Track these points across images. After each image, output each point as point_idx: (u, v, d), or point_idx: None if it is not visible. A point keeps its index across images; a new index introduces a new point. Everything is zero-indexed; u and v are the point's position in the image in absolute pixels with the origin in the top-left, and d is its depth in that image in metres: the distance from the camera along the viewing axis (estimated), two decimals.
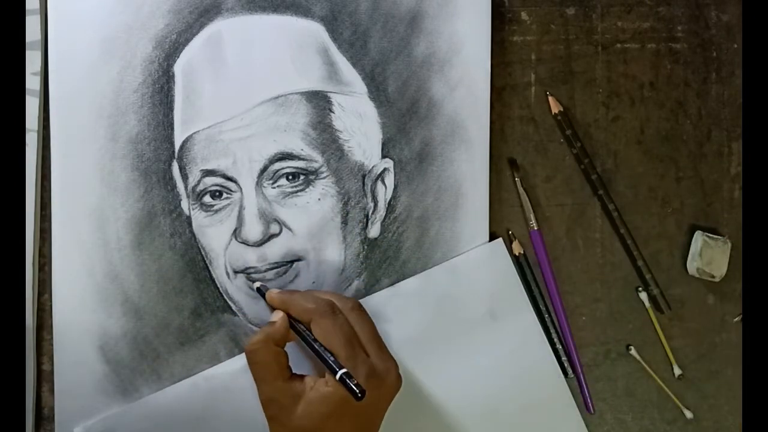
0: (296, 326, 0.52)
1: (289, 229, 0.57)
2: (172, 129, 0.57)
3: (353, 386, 0.47)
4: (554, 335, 0.61)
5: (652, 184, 0.63)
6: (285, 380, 0.51)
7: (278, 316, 0.53)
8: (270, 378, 0.51)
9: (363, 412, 0.50)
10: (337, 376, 0.48)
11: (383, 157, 0.59)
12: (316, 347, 0.50)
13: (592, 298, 0.62)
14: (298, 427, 0.49)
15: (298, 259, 0.57)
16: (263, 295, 0.55)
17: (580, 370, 0.61)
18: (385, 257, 0.59)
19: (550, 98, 0.61)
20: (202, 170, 0.57)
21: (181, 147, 0.57)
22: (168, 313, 0.57)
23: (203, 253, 0.57)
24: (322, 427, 0.49)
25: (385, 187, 0.59)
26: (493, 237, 0.60)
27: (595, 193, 0.62)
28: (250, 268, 0.57)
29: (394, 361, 0.52)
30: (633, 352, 0.62)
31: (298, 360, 0.54)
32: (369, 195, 0.59)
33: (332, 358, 0.49)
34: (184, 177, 0.57)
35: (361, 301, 0.58)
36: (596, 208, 0.62)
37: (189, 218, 0.57)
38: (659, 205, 0.63)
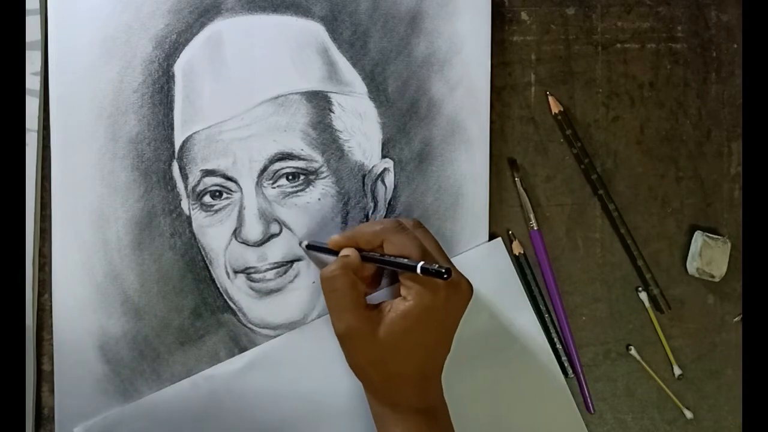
0: (367, 255, 0.52)
1: (289, 229, 0.57)
2: (172, 129, 0.57)
3: (437, 269, 0.45)
4: (554, 335, 0.61)
5: (652, 184, 0.63)
6: (363, 307, 0.50)
7: (349, 250, 0.52)
8: (350, 305, 0.50)
9: (442, 320, 0.50)
10: (418, 269, 0.47)
11: (383, 157, 0.59)
12: (391, 260, 0.49)
13: (592, 298, 0.62)
14: (383, 349, 0.49)
15: (298, 259, 0.57)
16: (318, 248, 0.55)
17: (580, 370, 0.61)
18: None
19: (550, 98, 0.61)
20: (202, 170, 0.57)
21: (181, 147, 0.57)
22: (168, 313, 0.57)
23: (203, 253, 0.57)
24: (405, 342, 0.49)
25: (385, 187, 0.59)
26: (493, 237, 0.60)
27: (595, 193, 0.62)
28: (250, 268, 0.57)
29: (460, 273, 0.52)
30: (633, 352, 0.62)
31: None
32: (369, 195, 0.59)
33: (407, 260, 0.48)
34: (184, 177, 0.57)
35: None
36: (596, 208, 0.62)
37: (189, 218, 0.57)
38: (659, 205, 0.63)
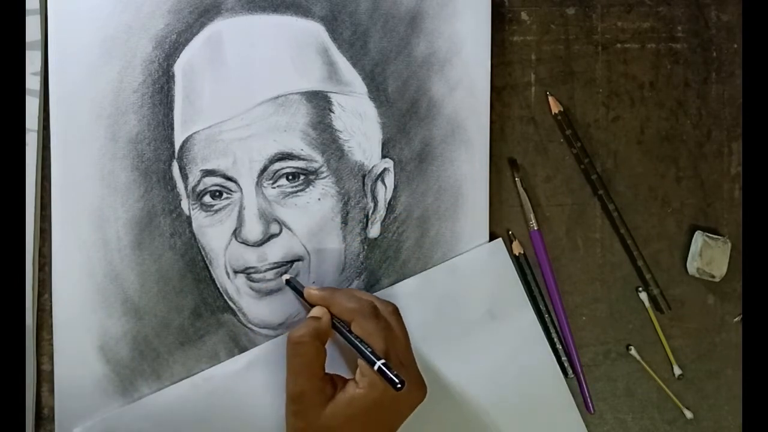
0: (336, 324, 0.52)
1: (289, 229, 0.57)
2: (172, 129, 0.57)
3: (393, 376, 0.46)
4: (554, 335, 0.61)
5: (652, 184, 0.63)
6: (320, 378, 0.50)
7: (321, 311, 0.53)
8: (308, 373, 0.50)
9: (386, 418, 0.51)
10: (376, 367, 0.47)
11: (383, 157, 0.59)
12: (356, 342, 0.50)
13: (592, 298, 0.62)
14: (323, 427, 0.49)
15: (298, 259, 0.57)
16: (295, 288, 0.55)
17: (580, 370, 0.61)
18: (385, 257, 0.59)
19: (550, 98, 0.61)
20: (202, 170, 0.57)
21: (181, 147, 0.57)
22: (168, 313, 0.57)
23: (203, 253, 0.57)
24: (346, 428, 0.49)
25: (385, 187, 0.59)
26: (493, 237, 0.60)
27: (595, 193, 0.62)
28: (250, 268, 0.57)
29: (419, 373, 0.53)
30: (633, 352, 0.62)
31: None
32: (369, 195, 0.59)
33: (371, 351, 0.49)
34: (184, 177, 0.57)
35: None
36: (596, 208, 0.62)
37: (189, 218, 0.57)
38: (659, 205, 0.63)
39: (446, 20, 0.59)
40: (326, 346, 0.52)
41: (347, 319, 0.51)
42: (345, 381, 0.51)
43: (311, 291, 0.54)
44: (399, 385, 0.46)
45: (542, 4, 0.62)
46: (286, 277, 0.56)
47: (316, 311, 0.53)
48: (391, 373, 0.47)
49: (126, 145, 0.56)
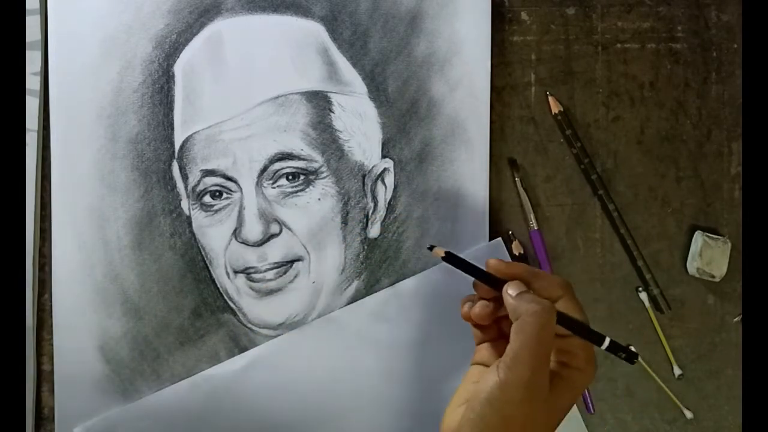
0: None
1: (289, 229, 0.57)
2: (172, 129, 0.57)
3: (629, 352, 0.44)
4: None
5: (652, 184, 0.63)
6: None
7: (524, 291, 0.45)
8: (549, 355, 0.43)
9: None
10: (605, 345, 0.44)
11: (383, 157, 0.59)
12: (575, 321, 0.45)
13: (592, 298, 0.62)
14: (548, 415, 0.44)
15: (298, 259, 0.57)
16: (458, 263, 0.47)
17: None
18: (385, 257, 0.59)
19: (550, 98, 0.61)
20: (202, 170, 0.57)
21: (181, 147, 0.57)
22: (168, 313, 0.57)
23: (203, 253, 0.57)
24: (561, 415, 0.45)
25: (385, 187, 0.59)
26: (493, 237, 0.60)
27: (595, 193, 0.62)
28: (250, 268, 0.57)
29: None
30: None
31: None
32: (369, 195, 0.59)
33: (591, 331, 0.45)
34: (184, 177, 0.57)
35: (361, 301, 0.58)
36: (596, 208, 0.62)
37: (189, 218, 0.57)
38: (659, 205, 0.63)
39: (446, 20, 0.59)
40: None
41: (555, 296, 0.45)
42: (560, 372, 0.45)
43: (511, 267, 0.46)
44: (635, 359, 0.44)
45: (542, 4, 0.62)
46: (443, 251, 0.46)
47: (520, 287, 0.45)
48: (622, 349, 0.44)
49: (126, 145, 0.56)
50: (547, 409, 0.43)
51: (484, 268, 0.47)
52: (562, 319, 0.45)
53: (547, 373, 0.43)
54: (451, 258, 0.47)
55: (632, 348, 0.62)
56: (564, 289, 0.46)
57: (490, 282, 0.46)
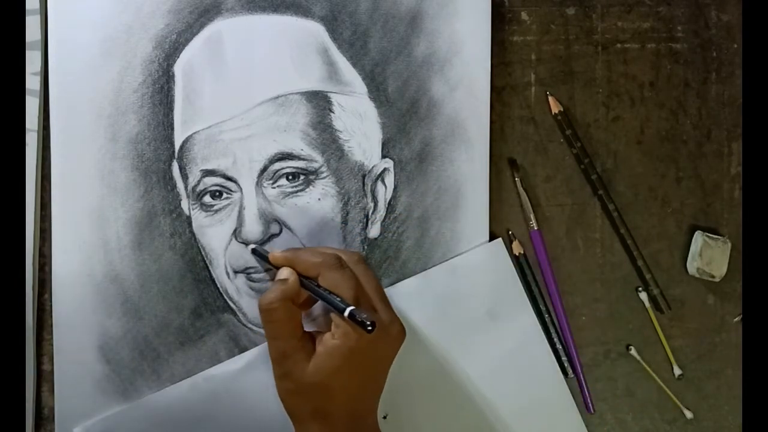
0: (303, 281, 0.52)
1: (289, 229, 0.57)
2: (172, 129, 0.57)
3: (363, 320, 0.46)
4: (554, 335, 0.61)
5: (652, 184, 0.63)
6: (299, 337, 0.50)
7: (287, 272, 0.52)
8: (285, 335, 0.50)
9: (370, 364, 0.51)
10: (346, 313, 0.47)
11: (383, 157, 0.59)
12: (325, 294, 0.50)
13: (592, 298, 0.62)
14: (310, 384, 0.49)
15: None
16: (261, 257, 0.55)
17: (580, 370, 0.61)
18: (385, 257, 0.59)
19: (550, 98, 0.61)
20: (202, 170, 0.57)
21: (181, 147, 0.57)
22: (168, 313, 0.57)
23: (203, 253, 0.57)
24: (332, 380, 0.49)
25: (385, 187, 0.59)
26: (493, 237, 0.60)
27: (595, 193, 0.62)
28: (250, 268, 0.57)
29: (395, 316, 0.52)
30: (633, 352, 0.62)
31: None
32: (369, 195, 0.59)
33: (339, 300, 0.49)
34: (184, 177, 0.57)
35: None
36: (596, 208, 0.62)
37: (189, 218, 0.57)
38: (659, 205, 0.63)
39: (446, 20, 0.59)
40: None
41: (313, 274, 0.51)
42: (322, 335, 0.51)
43: (275, 254, 0.53)
44: (369, 328, 0.46)
45: (542, 4, 0.62)
46: (252, 246, 0.56)
47: (282, 273, 0.52)
48: (360, 316, 0.47)
49: (126, 145, 0.56)
50: (309, 375, 0.49)
51: None
52: (315, 293, 0.51)
53: (294, 346, 0.50)
54: (255, 251, 0.56)
55: (633, 351, 0.62)
56: (320, 267, 0.51)
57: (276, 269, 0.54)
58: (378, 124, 0.59)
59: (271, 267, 0.54)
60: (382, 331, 0.50)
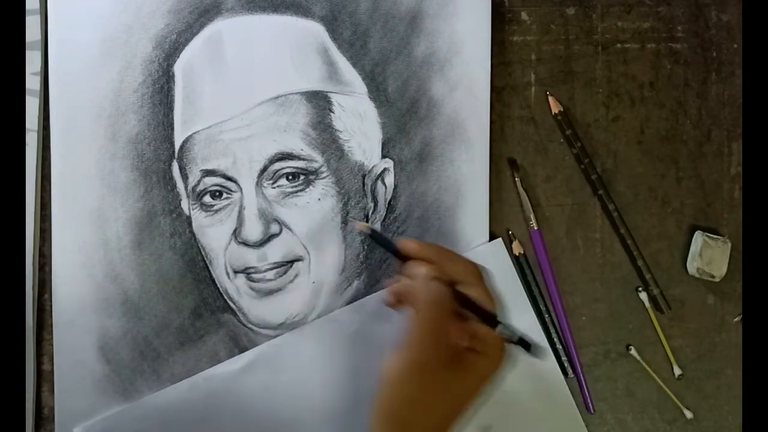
0: (457, 290, 0.46)
1: (289, 229, 0.57)
2: (172, 129, 0.57)
3: (526, 340, 0.44)
4: (554, 335, 0.61)
5: (652, 184, 0.63)
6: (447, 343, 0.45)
7: (434, 271, 0.46)
8: (445, 336, 0.44)
9: (488, 385, 0.46)
10: (498, 330, 0.44)
11: (383, 157, 0.59)
12: (481, 308, 0.45)
13: (592, 298, 0.62)
14: (448, 400, 0.44)
15: (298, 259, 0.57)
16: (381, 241, 0.50)
17: (580, 370, 0.61)
18: (385, 257, 0.59)
19: (550, 98, 0.61)
20: (202, 170, 0.57)
21: (181, 147, 0.57)
22: (168, 313, 0.57)
23: (203, 253, 0.57)
24: (469, 401, 0.45)
25: (385, 187, 0.59)
26: (493, 237, 0.60)
27: (595, 193, 0.62)
28: (250, 268, 0.57)
29: None
30: (633, 352, 0.62)
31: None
32: (369, 195, 0.59)
33: (497, 318, 0.45)
34: (184, 177, 0.57)
35: (361, 301, 0.58)
36: (596, 208, 0.62)
37: (189, 218, 0.57)
38: (659, 205, 0.63)
39: (446, 20, 0.59)
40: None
41: (463, 279, 0.46)
42: (461, 356, 0.45)
43: (422, 248, 0.48)
44: (530, 347, 0.44)
45: (542, 4, 0.62)
46: (371, 227, 0.51)
47: (431, 270, 0.46)
48: (531, 340, 0.43)
49: (126, 145, 0.56)
50: (445, 392, 0.44)
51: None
52: (465, 302, 0.45)
53: (442, 355, 0.43)
54: (374, 235, 0.51)
55: (633, 351, 0.62)
56: (472, 275, 0.47)
57: (403, 261, 0.48)
58: (378, 124, 0.59)
59: (394, 253, 0.49)
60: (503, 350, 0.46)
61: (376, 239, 0.51)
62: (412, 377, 0.44)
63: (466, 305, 0.46)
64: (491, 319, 0.45)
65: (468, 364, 0.45)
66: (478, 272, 0.47)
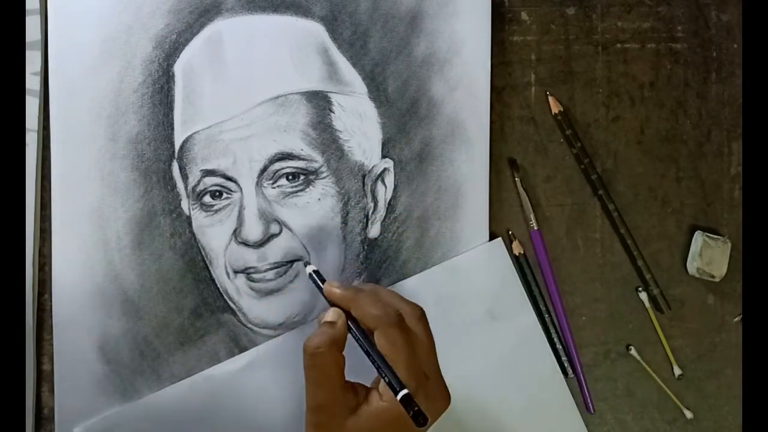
0: (355, 333, 0.48)
1: (289, 229, 0.57)
2: (172, 129, 0.57)
3: (415, 412, 0.43)
4: (554, 335, 0.61)
5: (652, 184, 0.63)
6: (341, 388, 0.47)
7: (336, 315, 0.49)
8: (328, 384, 0.47)
9: (411, 428, 0.46)
10: (399, 397, 0.44)
11: (383, 157, 0.59)
12: (377, 359, 0.46)
13: (592, 298, 0.62)
14: None
15: (298, 259, 0.57)
16: (317, 282, 0.52)
17: (580, 370, 0.61)
18: (385, 257, 0.59)
19: (550, 98, 0.61)
20: (202, 170, 0.57)
21: (181, 147, 0.57)
22: (168, 313, 0.57)
23: (203, 253, 0.57)
24: None
25: (385, 187, 0.59)
26: (493, 237, 0.60)
27: (595, 193, 0.62)
28: (250, 268, 0.57)
29: (444, 381, 0.49)
30: (633, 352, 0.62)
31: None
32: (369, 195, 0.59)
33: (393, 376, 0.45)
34: (184, 177, 0.57)
35: None
36: (596, 208, 0.62)
37: (189, 218, 0.57)
38: (659, 205, 0.63)
39: (446, 20, 0.59)
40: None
41: (370, 326, 0.48)
42: (367, 390, 0.48)
43: (333, 289, 0.50)
44: (422, 422, 0.43)
45: (542, 4, 0.62)
46: (313, 268, 0.53)
47: (331, 315, 0.49)
48: (413, 408, 0.43)
49: (126, 145, 0.56)
50: (356, 429, 0.46)
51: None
52: (367, 351, 0.47)
53: (335, 398, 0.46)
54: (312, 276, 0.53)
55: (633, 351, 0.62)
56: (379, 321, 0.47)
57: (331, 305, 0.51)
58: (378, 124, 0.59)
59: (323, 296, 0.51)
60: (431, 403, 0.47)
61: (315, 284, 0.53)
62: (309, 420, 0.47)
63: (372, 358, 0.47)
64: (389, 380, 0.45)
65: (373, 409, 0.47)
66: (396, 320, 0.47)
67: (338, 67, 0.58)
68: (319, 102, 0.58)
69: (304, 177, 0.57)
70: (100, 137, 0.56)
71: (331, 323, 0.48)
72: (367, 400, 0.47)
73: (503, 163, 0.61)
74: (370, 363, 0.47)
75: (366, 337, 0.48)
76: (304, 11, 0.58)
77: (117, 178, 0.56)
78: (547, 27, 0.62)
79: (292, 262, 0.57)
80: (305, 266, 0.53)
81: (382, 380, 0.47)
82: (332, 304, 0.50)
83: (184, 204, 0.57)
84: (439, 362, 0.59)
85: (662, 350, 0.63)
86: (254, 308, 0.58)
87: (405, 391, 0.44)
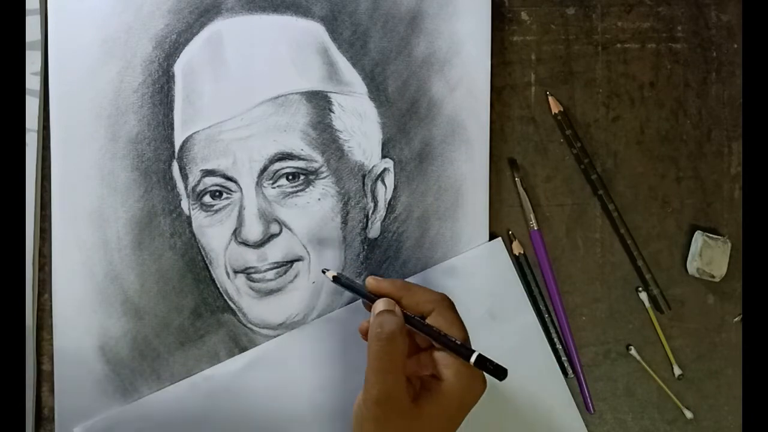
0: (411, 317, 0.48)
1: (289, 229, 0.57)
2: (172, 129, 0.57)
3: (495, 366, 0.44)
4: (554, 335, 0.61)
5: (652, 184, 0.63)
6: (405, 377, 0.47)
7: (391, 304, 0.48)
8: (398, 371, 0.46)
9: (463, 414, 0.47)
10: (472, 360, 0.45)
11: (383, 157, 0.59)
12: (440, 335, 0.46)
13: (592, 298, 0.62)
14: (418, 425, 0.46)
15: (298, 259, 0.57)
16: (347, 285, 0.52)
17: (580, 370, 0.61)
18: (385, 257, 0.59)
19: (550, 98, 0.61)
20: (202, 170, 0.57)
21: (181, 147, 0.57)
22: (168, 313, 0.57)
23: (203, 253, 0.57)
24: (435, 429, 0.46)
25: (385, 187, 0.59)
26: (493, 237, 0.60)
27: (595, 193, 0.62)
28: (250, 268, 0.57)
29: None
30: (633, 352, 0.62)
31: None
32: (369, 195, 0.59)
33: (460, 345, 0.46)
34: (184, 177, 0.57)
35: (360, 301, 0.58)
36: (596, 208, 0.62)
37: (189, 218, 0.57)
38: (659, 205, 0.63)
39: (446, 20, 0.59)
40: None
41: (424, 311, 0.48)
42: (421, 380, 0.48)
43: (380, 283, 0.50)
44: (503, 375, 0.44)
45: (542, 4, 0.62)
46: (333, 273, 0.52)
47: (385, 304, 0.48)
48: (491, 364, 0.44)
49: (126, 145, 0.56)
50: (413, 421, 0.45)
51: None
52: (430, 332, 0.47)
53: (397, 388, 0.45)
54: (338, 279, 0.52)
55: (633, 351, 0.62)
56: (435, 304, 0.48)
57: (371, 300, 0.50)
58: (378, 124, 0.59)
59: (361, 294, 0.51)
60: (478, 380, 0.47)
61: (344, 284, 0.52)
62: (370, 414, 0.46)
63: (432, 335, 0.47)
64: (461, 349, 0.46)
65: (429, 391, 0.47)
66: (440, 301, 0.49)
67: (338, 67, 0.58)
68: (319, 102, 0.58)
69: (304, 177, 0.57)
70: (100, 137, 0.56)
71: (390, 311, 0.48)
72: (430, 387, 0.47)
73: (503, 163, 0.61)
74: (432, 342, 0.47)
75: (425, 323, 0.48)
76: (304, 11, 0.58)
77: (117, 178, 0.56)
78: (547, 27, 0.62)
79: (292, 262, 0.57)
80: (323, 272, 0.53)
81: (438, 364, 0.47)
82: (374, 296, 0.50)
83: (184, 204, 0.57)
84: None
85: (662, 350, 0.63)
86: (254, 308, 0.58)
87: (477, 353, 0.45)
